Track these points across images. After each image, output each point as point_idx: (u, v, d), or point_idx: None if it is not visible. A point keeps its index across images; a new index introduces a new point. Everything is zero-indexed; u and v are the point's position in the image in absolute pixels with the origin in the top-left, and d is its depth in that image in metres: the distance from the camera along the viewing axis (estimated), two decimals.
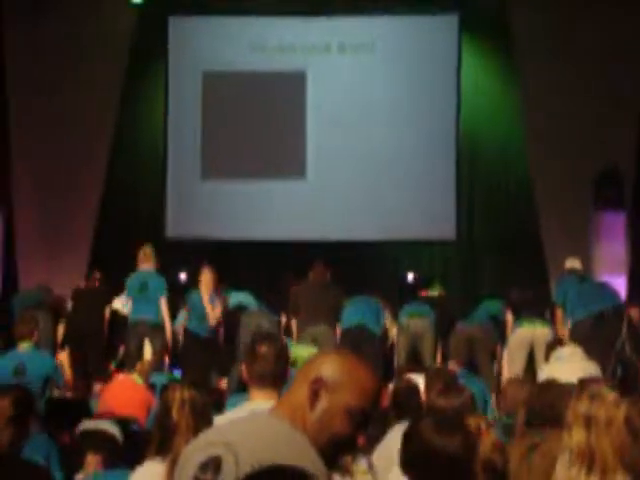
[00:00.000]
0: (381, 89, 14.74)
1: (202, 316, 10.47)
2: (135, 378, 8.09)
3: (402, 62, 14.83)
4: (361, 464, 3.81)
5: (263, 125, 14.83)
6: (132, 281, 10.64)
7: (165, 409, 3.94)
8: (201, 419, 3.86)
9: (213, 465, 2.21)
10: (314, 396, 2.35)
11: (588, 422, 3.56)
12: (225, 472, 2.18)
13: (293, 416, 2.35)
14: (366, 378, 2.39)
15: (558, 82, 13.16)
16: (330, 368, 2.38)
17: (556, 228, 13.23)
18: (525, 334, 9.68)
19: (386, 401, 6.02)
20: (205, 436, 2.39)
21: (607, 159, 13.13)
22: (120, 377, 8.36)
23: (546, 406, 4.41)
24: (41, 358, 7.92)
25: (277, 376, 4.16)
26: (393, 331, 10.95)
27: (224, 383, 9.42)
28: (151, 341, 10.35)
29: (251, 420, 2.43)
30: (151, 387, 8.20)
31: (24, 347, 7.81)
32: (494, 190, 14.64)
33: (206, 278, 10.55)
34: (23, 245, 14.20)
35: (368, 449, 4.49)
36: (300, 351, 7.98)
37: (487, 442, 3.41)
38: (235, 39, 15.05)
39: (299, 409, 2.35)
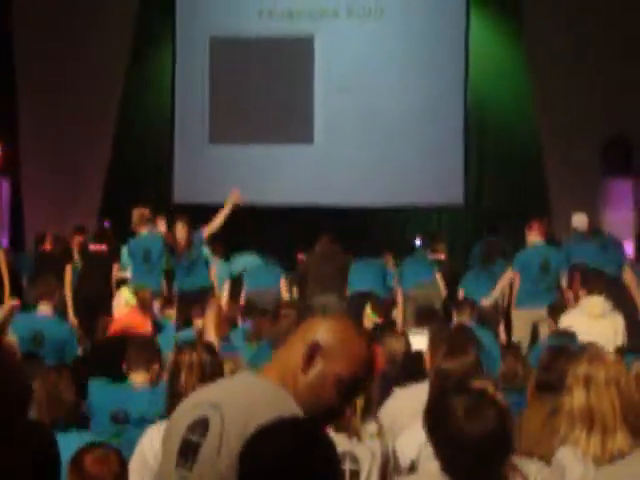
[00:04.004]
0: (389, 54, 14.68)
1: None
2: (126, 295, 7.97)
3: (410, 27, 14.75)
4: (370, 427, 3.83)
5: (271, 90, 14.80)
6: (134, 250, 10.45)
7: (175, 372, 3.95)
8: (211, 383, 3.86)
9: (201, 426, 2.23)
10: (309, 360, 2.32)
11: (588, 383, 3.58)
12: (211, 432, 2.20)
13: (284, 376, 2.32)
14: (361, 348, 2.35)
15: (567, 46, 13.09)
16: (328, 334, 2.34)
17: (564, 194, 13.21)
18: (528, 314, 9.61)
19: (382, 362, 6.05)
20: (195, 397, 2.40)
21: (615, 125, 13.09)
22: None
23: (558, 371, 4.41)
24: (58, 325, 7.75)
25: None
26: (399, 295, 10.96)
27: None
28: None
29: (239, 380, 2.44)
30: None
31: (43, 310, 7.69)
32: (502, 156, 14.59)
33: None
34: (30, 207, 14.27)
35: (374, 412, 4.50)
36: None
37: None
38: (243, 4, 15.02)
39: (291, 370, 2.33)
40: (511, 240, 12.39)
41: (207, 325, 5.19)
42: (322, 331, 2.36)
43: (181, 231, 10.39)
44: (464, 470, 2.90)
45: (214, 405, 2.24)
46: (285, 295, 10.89)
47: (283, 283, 11.02)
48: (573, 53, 13.05)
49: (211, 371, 3.93)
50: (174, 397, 3.91)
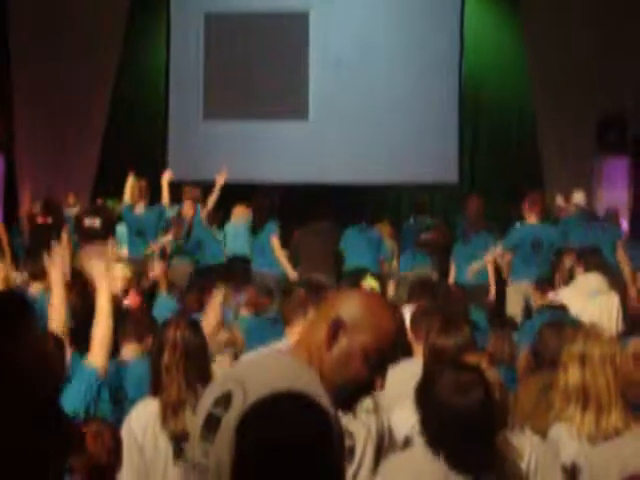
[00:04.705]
0: (384, 30, 14.59)
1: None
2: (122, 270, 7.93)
3: (405, 3, 14.69)
4: (366, 403, 3.82)
5: (265, 66, 14.72)
6: (130, 222, 10.59)
7: (159, 349, 3.91)
8: (193, 361, 3.83)
9: (224, 400, 2.24)
10: (332, 336, 2.32)
11: (583, 361, 3.58)
12: (233, 407, 2.21)
13: (310, 355, 2.33)
14: (386, 320, 2.35)
15: (562, 25, 13.04)
16: (351, 309, 2.34)
17: (559, 172, 13.20)
18: (520, 288, 9.61)
19: None
20: (224, 374, 2.46)
21: (610, 104, 13.07)
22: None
23: (553, 348, 4.41)
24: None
25: None
26: (393, 267, 10.97)
27: None
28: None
29: (266, 357, 2.46)
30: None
31: (37, 289, 7.44)
32: (497, 133, 14.55)
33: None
34: (25, 183, 14.24)
35: None
36: None
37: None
38: None
39: (316, 348, 2.33)
40: (504, 218, 12.42)
41: (209, 312, 5.17)
42: (345, 306, 2.36)
43: (189, 210, 10.50)
44: (449, 445, 2.92)
45: (239, 380, 2.25)
46: (279, 252, 10.74)
47: (275, 240, 10.87)
48: (570, 31, 13.00)
49: (194, 350, 3.88)
50: (157, 374, 3.89)
